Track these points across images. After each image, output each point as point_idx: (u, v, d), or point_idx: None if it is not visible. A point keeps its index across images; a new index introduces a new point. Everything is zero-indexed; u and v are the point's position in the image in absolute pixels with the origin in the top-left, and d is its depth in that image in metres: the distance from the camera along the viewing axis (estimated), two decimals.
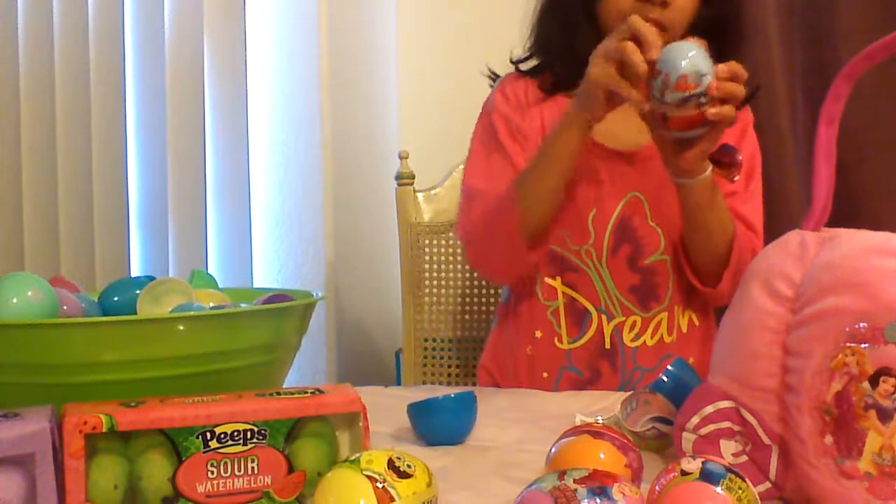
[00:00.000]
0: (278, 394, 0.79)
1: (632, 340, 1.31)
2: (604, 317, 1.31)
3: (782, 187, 1.65)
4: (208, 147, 2.10)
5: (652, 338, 1.31)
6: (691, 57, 1.03)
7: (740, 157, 1.16)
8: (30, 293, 0.87)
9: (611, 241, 1.31)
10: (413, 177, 1.70)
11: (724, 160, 1.16)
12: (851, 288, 0.70)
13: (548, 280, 1.33)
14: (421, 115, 2.11)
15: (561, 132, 1.21)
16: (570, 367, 1.32)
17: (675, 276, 1.32)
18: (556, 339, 1.32)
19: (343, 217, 2.02)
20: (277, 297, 1.02)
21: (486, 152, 1.37)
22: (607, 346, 1.31)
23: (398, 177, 1.70)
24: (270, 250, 2.08)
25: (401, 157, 1.71)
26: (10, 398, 0.84)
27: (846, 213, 1.53)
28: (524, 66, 1.40)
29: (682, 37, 1.21)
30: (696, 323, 1.35)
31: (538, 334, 1.34)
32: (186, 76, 2.08)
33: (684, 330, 1.33)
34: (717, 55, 1.24)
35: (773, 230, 1.41)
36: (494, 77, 1.45)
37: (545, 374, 1.33)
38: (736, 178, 1.19)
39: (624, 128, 1.29)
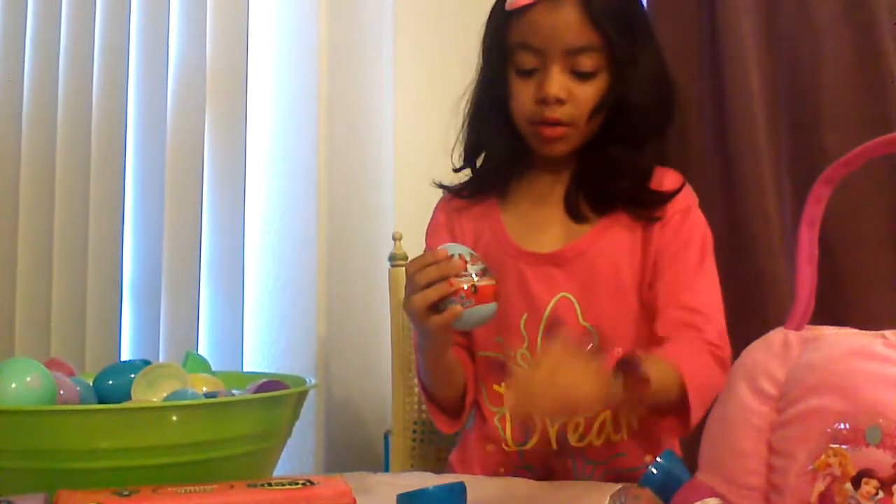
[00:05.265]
0: (269, 484, 0.80)
1: (577, 441, 1.29)
2: (547, 419, 1.28)
3: (771, 271, 1.67)
4: (204, 222, 2.11)
5: (598, 437, 1.29)
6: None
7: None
8: (28, 379, 0.89)
9: (544, 344, 1.29)
10: (406, 258, 1.71)
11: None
12: (833, 390, 0.72)
13: (494, 387, 1.34)
14: (416, 195, 2.12)
15: (423, 342, 1.28)
16: (524, 465, 1.32)
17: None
18: (503, 444, 1.32)
19: (335, 296, 2.03)
20: (270, 383, 1.03)
21: None
22: (554, 446, 1.30)
23: (391, 258, 1.71)
24: (262, 326, 2.08)
25: (394, 239, 1.73)
26: (4, 483, 0.84)
27: (834, 299, 1.55)
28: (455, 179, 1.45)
29: (590, 121, 1.27)
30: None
31: (492, 435, 1.34)
32: (186, 155, 2.10)
33: (635, 425, 1.30)
34: (636, 136, 1.29)
35: (763, 314, 1.43)
36: (443, 188, 1.47)
37: (502, 470, 1.32)
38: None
39: (546, 230, 1.34)
